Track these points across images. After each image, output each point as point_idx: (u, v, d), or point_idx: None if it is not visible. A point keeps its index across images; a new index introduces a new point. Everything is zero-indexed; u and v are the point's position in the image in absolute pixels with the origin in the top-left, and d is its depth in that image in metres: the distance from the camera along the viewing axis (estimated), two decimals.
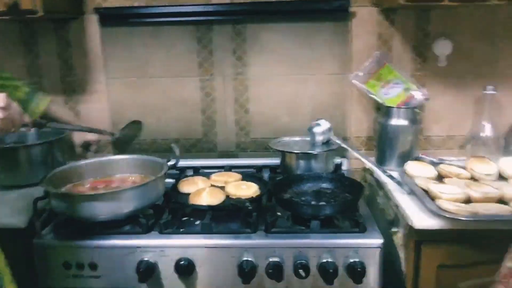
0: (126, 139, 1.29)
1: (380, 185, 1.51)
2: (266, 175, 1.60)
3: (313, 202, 1.26)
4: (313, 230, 1.16)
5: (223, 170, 1.60)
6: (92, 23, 1.62)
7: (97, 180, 1.40)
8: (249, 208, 1.16)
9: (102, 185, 1.35)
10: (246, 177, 1.46)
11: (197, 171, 1.62)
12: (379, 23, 1.59)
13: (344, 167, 1.65)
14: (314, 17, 1.58)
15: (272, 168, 1.61)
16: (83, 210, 1.15)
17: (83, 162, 1.41)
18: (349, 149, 1.46)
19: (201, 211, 1.24)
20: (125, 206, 1.17)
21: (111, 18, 1.60)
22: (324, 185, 1.36)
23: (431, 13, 1.57)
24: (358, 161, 1.66)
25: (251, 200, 1.26)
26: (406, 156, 1.55)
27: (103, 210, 1.15)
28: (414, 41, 1.61)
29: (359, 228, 1.17)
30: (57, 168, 1.34)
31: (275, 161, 1.62)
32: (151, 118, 1.70)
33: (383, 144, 1.58)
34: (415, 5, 1.37)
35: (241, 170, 1.61)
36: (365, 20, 1.59)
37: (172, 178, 1.49)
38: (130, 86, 1.68)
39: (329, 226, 1.19)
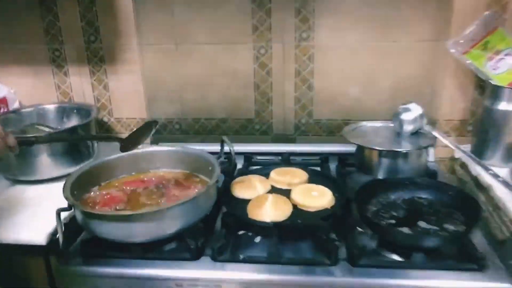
0: (133, 140, 1.03)
1: (480, 185, 1.19)
2: (332, 166, 1.31)
3: (403, 220, 0.97)
4: (415, 265, 0.88)
5: (280, 157, 1.35)
6: None
7: (132, 176, 1.15)
8: (332, 237, 0.87)
9: (137, 186, 1.10)
10: (313, 174, 1.18)
11: (249, 159, 1.35)
12: None
13: (430, 158, 1.32)
14: None
15: (340, 158, 1.31)
16: (115, 232, 0.89)
17: (114, 157, 1.14)
18: (451, 145, 1.14)
19: (263, 228, 0.98)
20: (169, 226, 0.91)
21: None
22: (420, 194, 1.05)
23: None
24: (445, 149, 1.35)
25: (326, 216, 0.98)
26: None
27: (141, 232, 0.89)
28: None
29: (477, 264, 0.87)
30: (81, 167, 1.09)
31: (344, 148, 1.32)
32: (193, 94, 1.41)
33: (485, 133, 1.24)
34: None
35: (301, 158, 1.35)
36: None
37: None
38: (169, 54, 1.37)
39: (434, 258, 0.89)
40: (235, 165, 1.26)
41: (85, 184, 1.07)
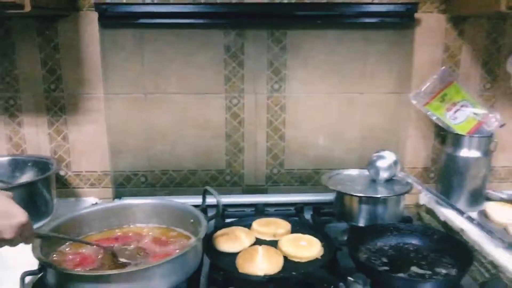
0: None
1: (450, 229, 1.23)
2: (307, 215, 1.29)
3: (395, 266, 0.96)
4: None
5: (253, 209, 1.31)
6: (89, 23, 1.26)
7: (103, 233, 1.05)
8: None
9: (110, 243, 1.00)
10: (294, 224, 1.15)
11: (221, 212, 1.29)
12: (446, 32, 1.32)
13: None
14: (370, 24, 1.29)
15: (315, 207, 1.31)
16: None
17: (83, 211, 1.04)
18: (427, 191, 1.18)
19: (256, 283, 0.92)
20: (156, 286, 0.82)
21: (116, 17, 1.24)
22: (405, 239, 1.06)
23: (506, 24, 1.32)
24: (409, 195, 1.40)
25: (320, 266, 0.95)
26: (477, 194, 1.29)
27: None
28: (485, 56, 1.34)
29: None
30: (48, 224, 0.97)
31: (318, 197, 1.35)
32: (162, 145, 1.35)
33: (449, 179, 1.31)
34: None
35: (274, 209, 1.33)
36: (430, 29, 1.31)
37: None
38: (137, 104, 1.32)
39: None
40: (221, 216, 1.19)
41: (51, 244, 0.95)
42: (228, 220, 1.24)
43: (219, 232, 1.08)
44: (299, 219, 1.24)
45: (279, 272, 0.94)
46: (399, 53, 1.32)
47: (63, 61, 1.28)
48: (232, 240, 1.04)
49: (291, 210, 1.32)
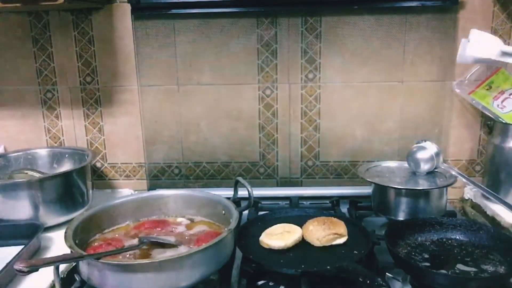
0: None
1: (499, 224, 1.16)
2: (344, 209, 1.25)
3: (437, 262, 0.91)
4: None
5: (287, 201, 1.29)
6: (123, 15, 1.26)
7: (138, 222, 1.05)
8: (379, 282, 0.79)
9: (143, 228, 1.00)
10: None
11: (255, 204, 1.27)
12: (493, 15, 1.24)
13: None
14: (410, 8, 1.22)
15: (352, 201, 1.26)
16: (128, 285, 0.79)
17: (115, 202, 1.04)
18: (469, 182, 1.10)
19: (288, 277, 0.89)
20: (187, 276, 0.81)
21: (148, 8, 1.23)
22: (448, 235, 1.00)
23: None
24: (453, 189, 1.33)
25: (357, 260, 0.91)
26: None
27: (155, 283, 0.79)
28: None
29: None
30: (82, 213, 0.98)
31: (355, 190, 1.30)
32: (195, 137, 1.34)
33: (497, 172, 1.23)
34: None
35: (310, 202, 1.30)
36: (476, 12, 1.23)
37: None
38: (170, 95, 1.31)
39: None
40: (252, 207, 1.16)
41: (85, 234, 0.96)
42: (261, 213, 1.22)
43: (268, 230, 1.00)
44: (335, 213, 1.20)
45: (312, 265, 0.90)
46: (441, 38, 1.25)
47: (98, 54, 1.30)
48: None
49: (326, 203, 1.28)
